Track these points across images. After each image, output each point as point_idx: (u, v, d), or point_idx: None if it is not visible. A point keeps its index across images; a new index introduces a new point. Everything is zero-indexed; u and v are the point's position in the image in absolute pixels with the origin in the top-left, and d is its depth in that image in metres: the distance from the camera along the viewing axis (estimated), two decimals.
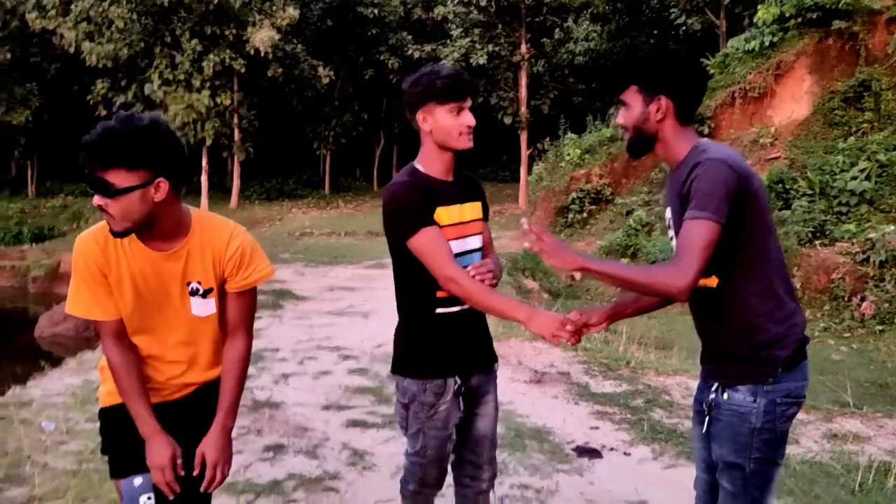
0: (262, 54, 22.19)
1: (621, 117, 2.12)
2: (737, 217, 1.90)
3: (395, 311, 2.42)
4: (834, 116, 13.73)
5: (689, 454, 3.95)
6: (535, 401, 5.08)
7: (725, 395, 2.03)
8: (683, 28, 20.80)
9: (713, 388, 2.07)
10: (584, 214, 16.01)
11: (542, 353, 6.29)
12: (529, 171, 20.21)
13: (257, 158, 27.05)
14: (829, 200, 11.93)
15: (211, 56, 22.32)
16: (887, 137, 12.63)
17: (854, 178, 11.93)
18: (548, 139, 19.35)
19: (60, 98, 27.85)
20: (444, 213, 2.28)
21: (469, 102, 2.29)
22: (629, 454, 4.13)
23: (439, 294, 2.28)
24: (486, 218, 2.48)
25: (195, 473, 2.08)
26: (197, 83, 22.65)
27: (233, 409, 2.15)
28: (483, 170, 29.16)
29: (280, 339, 6.96)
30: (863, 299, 10.11)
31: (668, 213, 2.15)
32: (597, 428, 4.56)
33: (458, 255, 2.28)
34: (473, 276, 2.22)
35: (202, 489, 2.08)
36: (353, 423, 4.56)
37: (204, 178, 24.38)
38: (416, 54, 25.67)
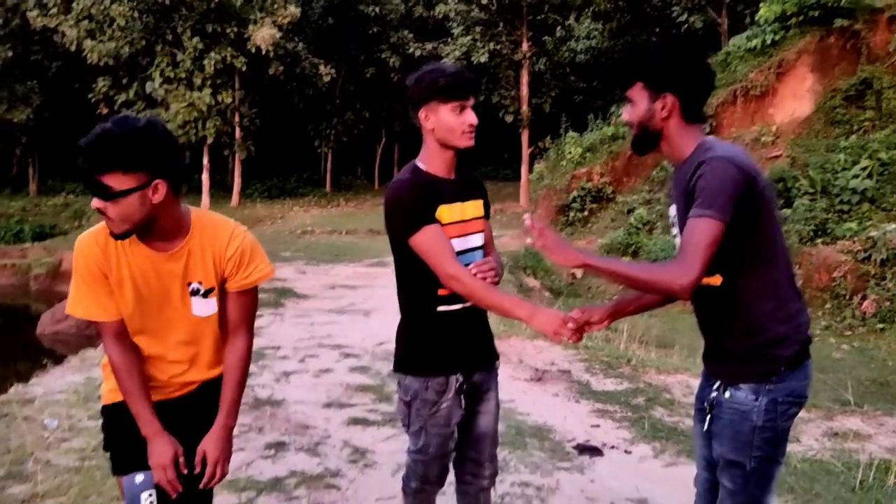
0: (264, 52, 22.19)
1: (627, 114, 2.11)
2: (743, 216, 1.89)
3: (396, 309, 2.42)
4: (835, 115, 13.72)
5: (689, 452, 3.96)
6: (536, 399, 5.08)
7: (727, 394, 2.03)
8: (685, 26, 20.77)
9: (715, 387, 2.07)
10: (586, 213, 16.02)
11: (543, 352, 6.30)
12: (530, 170, 20.22)
13: (258, 157, 27.08)
14: (830, 199, 11.93)
15: (212, 54, 22.32)
16: (889, 136, 12.62)
17: (856, 176, 11.92)
18: (549, 137, 19.35)
19: (62, 96, 27.88)
20: (445, 211, 2.28)
21: (472, 101, 2.29)
22: (630, 452, 4.14)
23: (441, 292, 2.28)
24: (487, 216, 2.48)
25: (196, 471, 2.09)
26: (198, 81, 22.66)
27: (234, 407, 2.15)
28: (484, 168, 29.14)
29: (281, 337, 6.97)
30: (864, 298, 10.10)
31: (673, 211, 2.14)
32: (598, 426, 4.57)
33: (459, 252, 2.28)
34: (475, 274, 2.23)
35: (202, 485, 2.10)
36: (355, 421, 4.56)
37: (205, 177, 24.40)
38: (418, 52, 25.69)
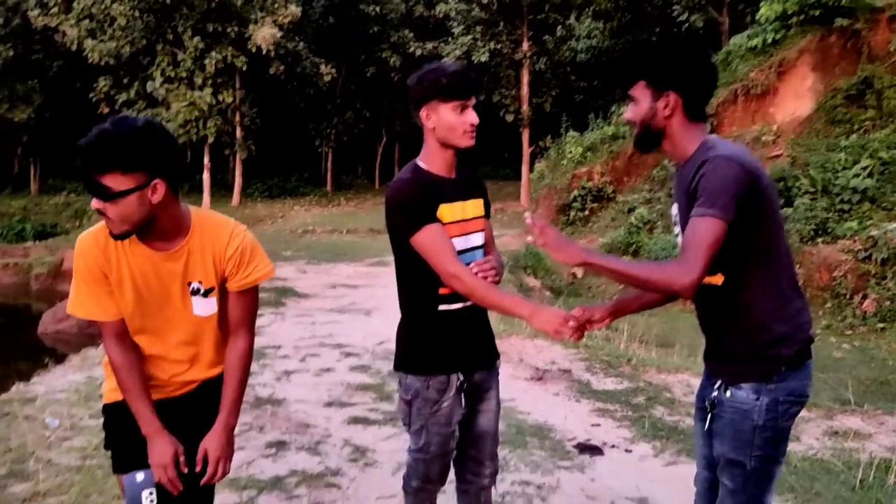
0: (264, 52, 22.20)
1: (629, 112, 2.11)
2: (746, 215, 1.88)
3: (396, 308, 2.43)
4: (836, 114, 13.71)
5: (689, 451, 3.96)
6: (537, 398, 5.09)
7: (728, 393, 2.03)
8: (686, 25, 20.76)
9: (716, 386, 2.07)
10: (586, 212, 16.02)
11: (544, 351, 6.30)
12: (531, 169, 20.21)
13: (259, 156, 27.09)
14: (831, 198, 11.92)
15: (213, 53, 22.33)
16: (889, 135, 12.61)
17: (856, 175, 11.91)
18: (549, 137, 19.34)
19: (63, 95, 27.90)
20: (446, 210, 2.28)
21: (473, 101, 2.29)
22: (630, 451, 4.14)
23: (442, 291, 2.28)
24: (488, 215, 2.48)
25: (197, 470, 2.09)
26: (199, 81, 22.67)
27: (235, 407, 2.16)
28: (485, 167, 29.13)
29: (282, 336, 6.98)
30: (864, 297, 10.10)
31: (675, 210, 2.14)
32: (598, 425, 4.57)
33: (460, 252, 2.28)
34: (476, 273, 2.23)
35: (202, 483, 2.10)
36: (355, 420, 4.57)
37: (206, 176, 24.40)
38: (418, 52, 25.68)
